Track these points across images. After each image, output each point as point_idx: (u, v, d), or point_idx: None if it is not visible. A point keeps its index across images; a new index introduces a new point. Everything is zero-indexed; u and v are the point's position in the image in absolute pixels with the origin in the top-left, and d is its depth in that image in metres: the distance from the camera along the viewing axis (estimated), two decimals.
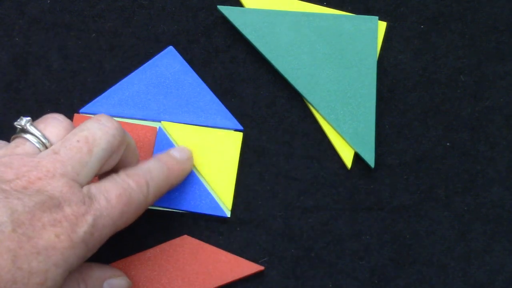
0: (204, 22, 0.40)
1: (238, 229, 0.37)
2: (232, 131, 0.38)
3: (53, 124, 0.31)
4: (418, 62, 0.40)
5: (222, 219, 0.37)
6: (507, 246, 0.37)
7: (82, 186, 0.30)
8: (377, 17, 0.39)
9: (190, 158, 0.36)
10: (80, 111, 0.38)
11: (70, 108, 0.39)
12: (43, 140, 0.31)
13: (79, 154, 0.30)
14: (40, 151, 0.30)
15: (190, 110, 0.38)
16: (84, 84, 0.39)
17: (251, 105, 0.39)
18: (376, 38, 0.39)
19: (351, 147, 0.38)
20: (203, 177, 0.37)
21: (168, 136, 0.38)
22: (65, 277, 0.29)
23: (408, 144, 0.39)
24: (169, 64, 0.39)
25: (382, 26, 0.40)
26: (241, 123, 0.38)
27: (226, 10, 0.39)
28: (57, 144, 0.31)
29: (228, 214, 0.37)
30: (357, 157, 0.38)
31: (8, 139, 0.39)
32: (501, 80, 0.40)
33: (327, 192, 0.38)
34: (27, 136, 0.31)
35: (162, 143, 0.37)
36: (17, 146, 0.30)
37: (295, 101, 0.39)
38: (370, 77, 0.38)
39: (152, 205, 0.37)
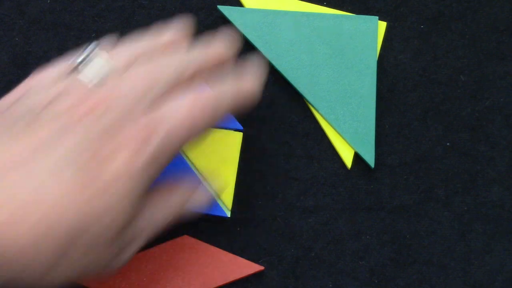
0: (204, 22, 0.40)
1: (238, 229, 0.37)
2: (232, 131, 0.38)
3: (120, 50, 0.31)
4: (418, 62, 0.40)
5: (222, 219, 0.37)
6: (507, 246, 0.37)
7: (146, 108, 0.29)
8: (377, 17, 0.39)
9: (261, 77, 0.33)
10: None
11: None
12: (107, 66, 0.30)
13: (143, 84, 0.30)
14: (102, 78, 0.30)
15: None
16: None
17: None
18: (376, 38, 0.39)
19: (351, 147, 0.38)
20: (203, 177, 0.37)
21: None
22: (136, 205, 0.29)
23: (408, 144, 0.39)
24: None
25: (382, 26, 0.40)
26: (241, 123, 0.38)
27: (226, 10, 0.39)
28: (122, 69, 0.30)
29: (228, 214, 0.37)
30: (357, 157, 0.38)
31: None
32: (501, 80, 0.40)
33: (327, 192, 0.38)
34: (86, 68, 0.30)
35: None
36: (79, 72, 0.30)
37: (295, 101, 0.39)
38: (370, 77, 0.38)
39: None
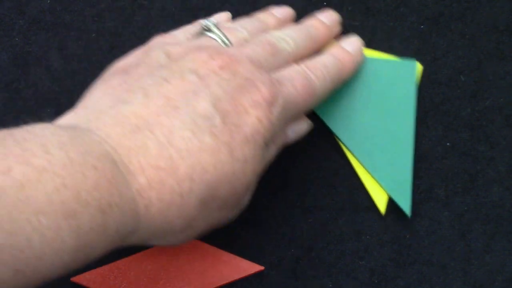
0: None
1: (238, 229, 0.37)
2: None
3: (233, 31, 0.34)
4: (418, 62, 0.40)
5: None
6: (507, 246, 0.37)
7: (276, 67, 0.32)
8: (415, 61, 0.39)
9: (361, 49, 0.37)
10: None
11: (70, 108, 0.39)
12: (226, 40, 0.32)
13: (264, 51, 0.32)
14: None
15: None
16: (84, 84, 0.39)
17: None
18: (415, 83, 0.38)
19: (386, 193, 0.37)
20: None
21: None
22: (274, 154, 0.32)
23: None
24: None
25: (418, 68, 0.39)
26: None
27: None
28: (243, 42, 0.33)
29: None
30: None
31: None
32: (501, 80, 0.40)
33: (327, 192, 0.38)
34: (211, 34, 0.33)
35: None
36: (202, 40, 0.33)
37: None
38: (407, 123, 0.38)
39: None
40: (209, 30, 0.33)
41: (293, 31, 0.35)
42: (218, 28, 0.33)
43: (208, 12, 0.40)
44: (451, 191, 0.38)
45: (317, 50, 0.36)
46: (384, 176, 0.37)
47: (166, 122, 0.27)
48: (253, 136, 0.28)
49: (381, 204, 0.37)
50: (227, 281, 0.36)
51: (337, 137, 0.38)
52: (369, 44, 0.40)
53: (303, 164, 0.38)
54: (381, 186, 0.37)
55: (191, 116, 0.27)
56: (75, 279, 0.35)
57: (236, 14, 0.40)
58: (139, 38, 0.40)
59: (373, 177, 0.37)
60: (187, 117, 0.27)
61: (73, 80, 0.39)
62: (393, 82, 0.38)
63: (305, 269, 0.37)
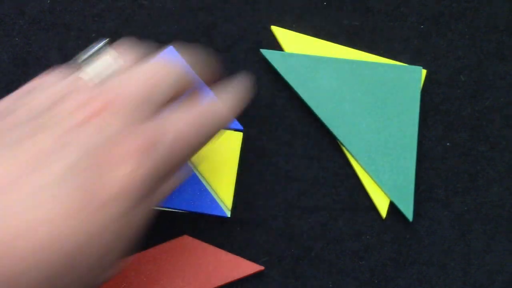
0: (204, 22, 0.40)
1: (238, 229, 0.37)
2: (232, 131, 0.38)
3: (126, 51, 0.30)
4: (418, 62, 0.40)
5: (222, 219, 0.37)
6: (507, 246, 0.37)
7: (147, 117, 0.28)
8: (421, 68, 0.39)
9: (241, 102, 0.32)
10: None
11: None
12: (113, 65, 0.29)
13: (146, 86, 0.28)
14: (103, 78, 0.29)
15: None
16: None
17: (251, 105, 0.39)
18: (419, 88, 0.38)
19: (388, 197, 0.37)
20: (203, 177, 0.37)
21: None
22: (145, 215, 0.27)
23: None
24: None
25: (422, 73, 0.39)
26: (241, 123, 0.38)
27: (269, 54, 0.39)
28: (125, 70, 0.29)
29: (228, 214, 0.37)
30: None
31: None
32: (501, 80, 0.40)
33: (327, 192, 0.38)
34: (97, 59, 0.29)
35: None
36: (82, 70, 0.29)
37: (295, 101, 0.39)
38: (411, 128, 0.38)
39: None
40: (91, 58, 0.30)
41: (182, 68, 0.31)
42: (100, 58, 0.30)
43: (208, 12, 0.40)
44: (451, 191, 0.38)
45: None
46: (386, 181, 0.37)
47: (22, 185, 0.24)
48: (120, 194, 0.25)
49: (383, 208, 0.37)
50: (227, 281, 0.36)
51: (339, 141, 0.38)
52: (369, 44, 0.40)
53: (303, 164, 0.38)
54: (383, 190, 0.37)
55: (51, 175, 0.25)
56: None
57: (236, 14, 0.40)
58: (139, 38, 0.40)
59: (375, 181, 0.37)
60: (45, 177, 0.25)
61: None
62: (398, 87, 0.38)
63: (305, 269, 0.37)
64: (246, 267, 0.36)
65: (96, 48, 0.30)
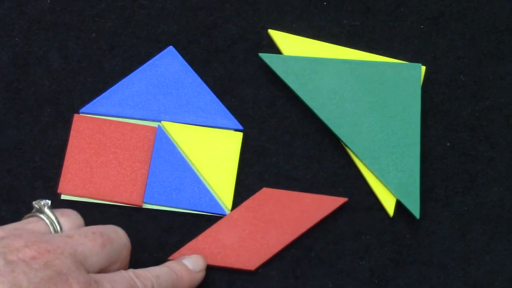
0: (204, 22, 0.40)
1: None
2: (232, 131, 0.38)
3: (68, 216, 0.31)
4: (418, 62, 0.40)
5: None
6: (507, 246, 0.37)
7: (88, 272, 0.29)
8: (420, 65, 0.39)
9: (202, 269, 0.35)
10: (80, 111, 0.38)
11: (70, 108, 0.39)
12: (57, 225, 0.30)
13: (92, 243, 0.29)
14: (51, 233, 0.30)
15: (190, 110, 0.38)
16: (84, 84, 0.39)
17: (251, 105, 0.39)
18: (420, 85, 0.38)
19: (394, 196, 0.37)
20: (203, 176, 0.37)
21: (168, 136, 0.38)
22: None
23: None
24: (169, 64, 0.39)
25: (421, 69, 0.39)
26: (241, 123, 0.38)
27: (268, 58, 0.39)
28: (71, 230, 0.30)
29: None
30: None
31: (8, 139, 0.39)
32: (501, 80, 0.40)
33: (327, 192, 0.38)
34: (42, 216, 0.30)
35: (162, 142, 0.37)
36: (30, 223, 0.30)
37: (295, 101, 0.39)
38: (414, 126, 0.38)
39: (153, 205, 0.37)
40: (41, 211, 0.30)
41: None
42: (51, 212, 0.30)
43: (208, 12, 0.40)
44: (451, 191, 0.38)
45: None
46: (392, 179, 0.37)
47: None
48: None
49: (390, 207, 0.37)
50: (317, 220, 0.36)
51: (342, 141, 0.38)
52: (369, 44, 0.40)
53: (303, 164, 0.38)
54: (388, 189, 0.37)
55: None
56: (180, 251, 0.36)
57: (236, 14, 0.40)
58: (139, 38, 0.40)
59: (380, 181, 0.37)
60: None
61: (73, 80, 0.39)
62: (398, 85, 0.38)
63: (305, 269, 0.36)
64: (331, 202, 0.37)
65: (37, 207, 0.30)
